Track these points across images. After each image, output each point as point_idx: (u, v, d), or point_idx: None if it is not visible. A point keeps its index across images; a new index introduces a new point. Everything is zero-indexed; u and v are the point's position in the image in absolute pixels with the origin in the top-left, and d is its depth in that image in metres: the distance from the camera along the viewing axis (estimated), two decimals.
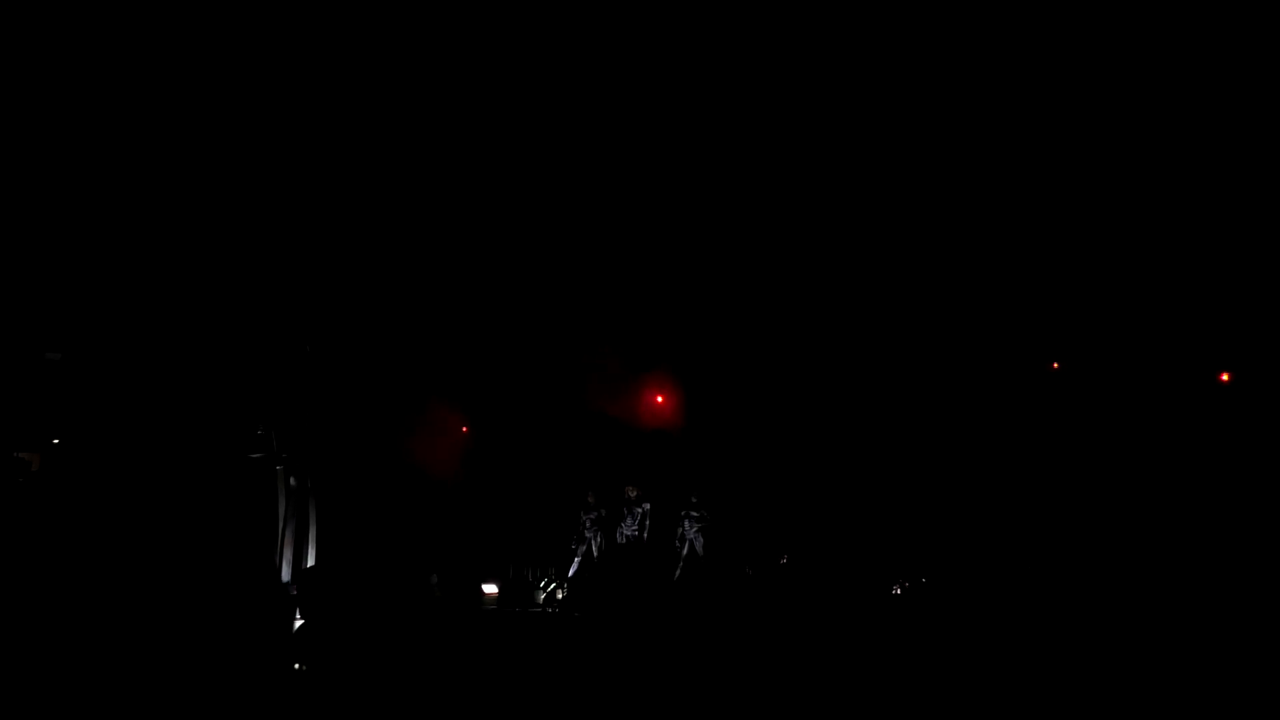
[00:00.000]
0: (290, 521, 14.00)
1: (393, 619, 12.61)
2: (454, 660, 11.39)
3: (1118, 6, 13.34)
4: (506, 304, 16.65)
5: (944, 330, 16.49)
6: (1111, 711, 8.51)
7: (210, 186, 14.28)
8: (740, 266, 16.51)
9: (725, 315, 17.02)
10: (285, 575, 13.73)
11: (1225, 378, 15.53)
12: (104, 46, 13.25)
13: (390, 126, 14.85)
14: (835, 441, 17.08)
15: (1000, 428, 16.27)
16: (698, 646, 11.75)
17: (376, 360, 15.91)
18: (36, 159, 13.50)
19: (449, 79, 14.65)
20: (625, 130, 15.34)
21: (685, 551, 16.48)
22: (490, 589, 16.39)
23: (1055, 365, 16.34)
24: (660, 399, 17.94)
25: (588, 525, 16.65)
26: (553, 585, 16.64)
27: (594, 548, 16.60)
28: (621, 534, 16.62)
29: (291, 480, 14.06)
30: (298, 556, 13.98)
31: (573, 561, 16.68)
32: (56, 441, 13.76)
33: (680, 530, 16.67)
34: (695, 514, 16.64)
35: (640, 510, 16.57)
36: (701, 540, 16.50)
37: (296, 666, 11.05)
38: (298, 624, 12.32)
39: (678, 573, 16.04)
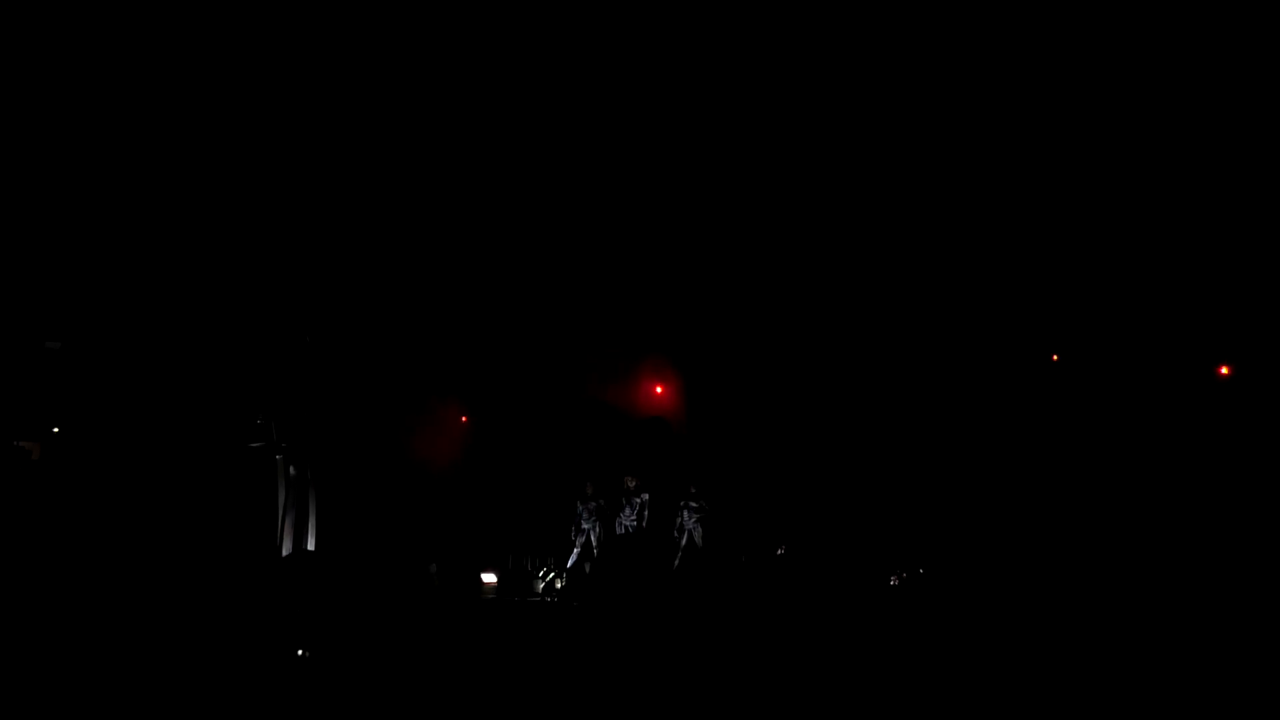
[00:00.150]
0: (290, 510, 14.28)
1: (392, 608, 12.83)
2: (453, 649, 11.38)
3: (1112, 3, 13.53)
4: (506, 295, 16.76)
5: (943, 320, 16.63)
6: (1108, 703, 8.56)
7: (211, 179, 14.41)
8: (739, 258, 16.64)
9: (724, 306, 17.13)
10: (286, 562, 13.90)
11: (1225, 370, 15.62)
12: (103, 41, 13.41)
13: (387, 118, 14.97)
14: (833, 432, 17.15)
15: (999, 418, 16.37)
16: (695, 636, 11.82)
17: (376, 351, 16.05)
18: (36, 150, 13.65)
19: (445, 70, 14.80)
20: (622, 119, 15.48)
21: (684, 542, 16.55)
22: (489, 578, 16.49)
23: (1055, 357, 16.40)
24: (659, 389, 18.06)
25: (585, 516, 16.71)
26: (551, 575, 16.76)
27: (593, 538, 16.68)
28: (620, 524, 16.71)
29: (291, 469, 14.35)
30: (298, 545, 14.27)
31: (572, 551, 16.77)
32: (56, 431, 13.94)
33: (679, 520, 16.74)
34: (694, 504, 16.70)
35: (639, 500, 16.65)
36: (700, 530, 16.59)
37: (300, 653, 10.95)
38: (300, 611, 12.30)
39: (676, 562, 16.17)
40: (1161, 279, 15.45)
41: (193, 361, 14.14)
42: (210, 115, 14.17)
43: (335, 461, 15.03)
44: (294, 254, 14.97)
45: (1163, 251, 15.33)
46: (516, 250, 16.32)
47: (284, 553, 14.12)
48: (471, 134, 15.48)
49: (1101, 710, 8.41)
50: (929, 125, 15.18)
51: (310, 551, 14.32)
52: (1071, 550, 14.71)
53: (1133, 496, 15.32)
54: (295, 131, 14.66)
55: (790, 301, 16.91)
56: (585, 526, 16.74)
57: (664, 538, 16.57)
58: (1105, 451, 15.67)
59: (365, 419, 15.85)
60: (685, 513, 16.70)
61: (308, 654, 10.90)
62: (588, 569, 16.43)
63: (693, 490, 16.83)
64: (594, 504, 16.78)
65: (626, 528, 16.66)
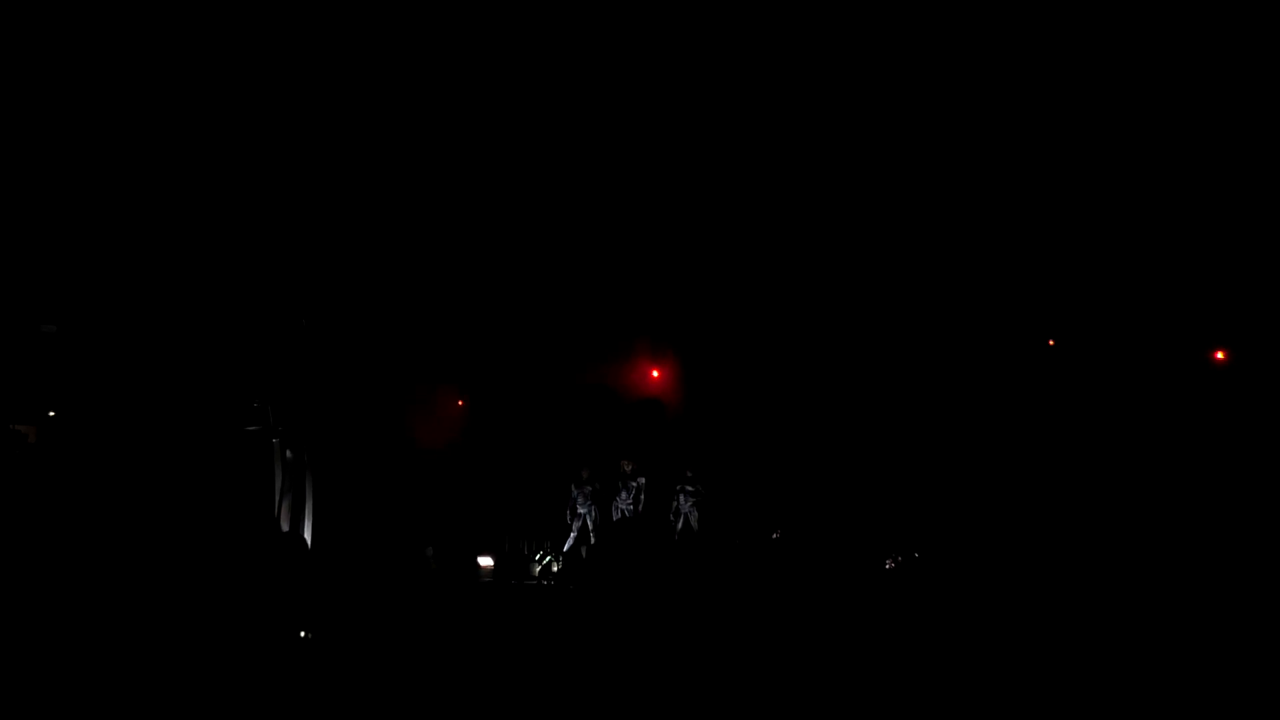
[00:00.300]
0: (287, 494, 14.28)
1: (389, 591, 13.01)
2: (450, 632, 11.58)
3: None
4: (503, 278, 16.81)
5: (937, 304, 16.74)
6: (1103, 691, 8.67)
7: (206, 163, 14.42)
8: (734, 242, 16.71)
9: (721, 290, 17.20)
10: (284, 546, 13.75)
11: (1220, 355, 15.78)
12: (98, 30, 13.44)
13: (380, 102, 15.01)
14: (829, 416, 17.24)
15: (995, 401, 16.49)
16: (691, 620, 11.90)
17: (372, 334, 16.09)
18: (31, 134, 13.67)
19: (439, 56, 14.86)
20: (619, 101, 15.54)
21: (680, 525, 16.70)
22: (486, 562, 16.58)
23: (1050, 342, 16.55)
24: (655, 374, 18.13)
25: (581, 500, 16.83)
26: (548, 558, 16.89)
27: (589, 522, 16.79)
28: (616, 508, 16.84)
29: (288, 453, 14.32)
30: (295, 530, 14.26)
31: (568, 535, 16.88)
32: (52, 414, 14.04)
33: (674, 504, 16.87)
34: (690, 488, 16.83)
35: (635, 484, 16.77)
36: (696, 514, 16.74)
37: (303, 635, 11.36)
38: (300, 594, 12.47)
39: (672, 547, 16.26)
40: (1157, 265, 15.60)
41: (189, 345, 14.15)
42: (205, 101, 14.21)
43: (332, 445, 15.03)
44: (289, 237, 14.98)
45: (1158, 238, 15.47)
46: (513, 233, 16.37)
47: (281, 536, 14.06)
48: (466, 118, 15.54)
49: (1096, 698, 8.53)
50: (925, 111, 15.32)
51: (309, 535, 14.35)
52: (1066, 536, 14.81)
53: (1128, 481, 15.46)
54: (289, 116, 14.69)
55: (786, 285, 17.01)
56: (581, 510, 16.85)
57: (660, 522, 16.68)
58: (1101, 436, 15.81)
59: (362, 402, 15.89)
60: (681, 496, 16.83)
61: (310, 636, 11.29)
62: (584, 553, 16.49)
63: (689, 474, 16.93)
64: (590, 488, 16.89)
65: (623, 512, 16.76)
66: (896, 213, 16.39)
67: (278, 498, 14.22)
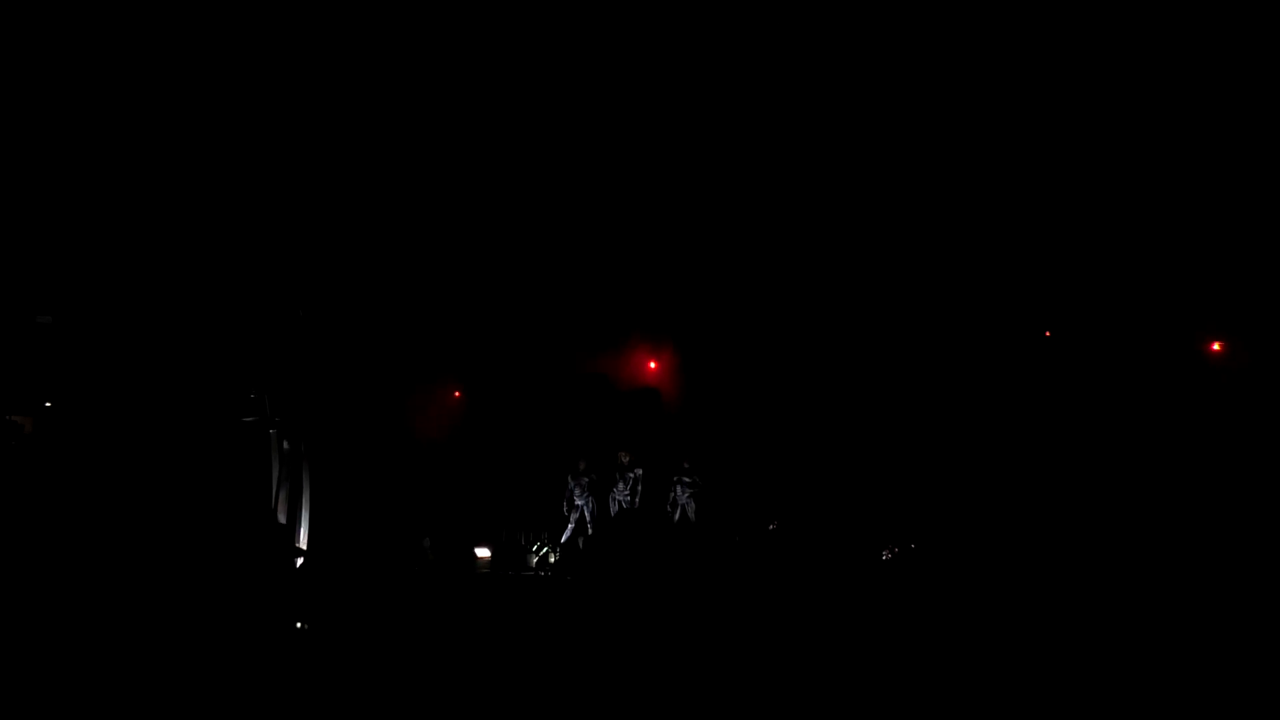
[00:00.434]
0: (284, 485, 14.24)
1: (387, 582, 13.17)
2: (448, 623, 11.62)
3: None
4: (501, 269, 16.91)
5: (935, 296, 16.87)
6: (1100, 683, 8.63)
7: (201, 153, 14.48)
8: (732, 234, 16.82)
9: (718, 281, 17.28)
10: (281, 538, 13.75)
11: (1216, 347, 15.93)
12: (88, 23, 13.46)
13: (374, 92, 15.09)
14: (827, 408, 17.36)
15: (993, 393, 16.61)
16: (689, 612, 11.92)
17: (370, 325, 16.17)
18: (23, 125, 13.75)
19: (432, 50, 14.92)
20: (616, 93, 15.62)
21: (677, 517, 16.79)
22: (483, 553, 16.68)
23: (1048, 334, 16.68)
24: (653, 365, 18.24)
25: (579, 491, 16.95)
26: (545, 549, 16.98)
27: (586, 513, 16.89)
28: (614, 499, 16.92)
29: (285, 444, 14.28)
30: (291, 520, 14.24)
31: (565, 527, 16.96)
32: (49, 405, 13.91)
33: (672, 495, 16.99)
34: (687, 479, 16.96)
35: (632, 476, 16.86)
36: (693, 506, 16.87)
37: (299, 625, 11.38)
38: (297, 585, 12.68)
39: (669, 538, 16.12)
40: (1155, 260, 15.75)
41: (186, 335, 14.10)
42: (199, 90, 14.26)
43: (330, 436, 14.99)
44: (286, 228, 15.02)
45: (1155, 234, 15.62)
46: (510, 224, 16.46)
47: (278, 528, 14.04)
48: (461, 107, 15.59)
49: (1094, 691, 8.50)
50: (921, 104, 15.45)
51: (306, 527, 14.39)
52: (1064, 528, 14.93)
53: (1124, 471, 15.58)
54: (282, 104, 14.73)
55: (784, 277, 17.10)
56: (578, 502, 16.98)
57: (657, 513, 16.76)
58: (1098, 427, 15.93)
59: (360, 394, 15.94)
60: (679, 488, 16.98)
61: (306, 627, 11.30)
62: (581, 544, 16.54)
63: (686, 465, 17.07)
64: (587, 479, 17.03)
65: (620, 503, 16.86)
66: (896, 203, 16.50)
67: (275, 489, 14.13)
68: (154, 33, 13.73)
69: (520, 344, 17.65)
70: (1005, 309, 16.69)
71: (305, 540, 14.31)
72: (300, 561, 13.71)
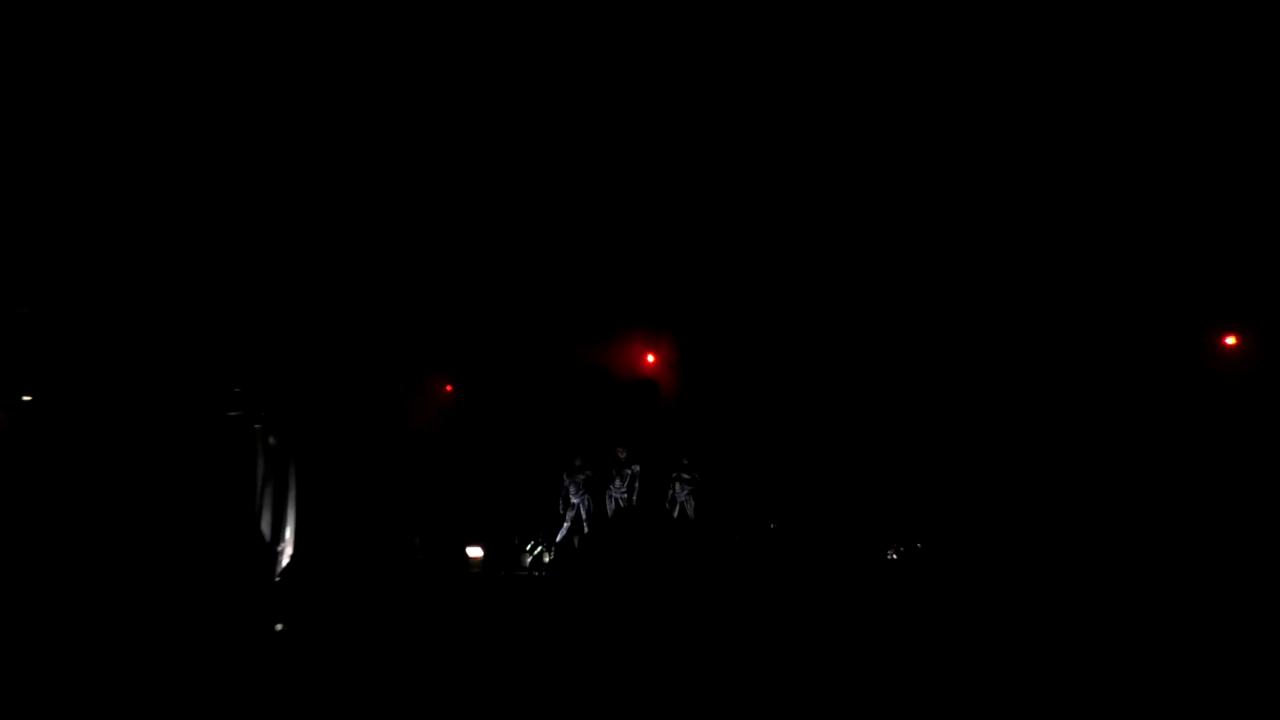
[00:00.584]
0: (269, 482, 14.06)
1: (376, 582, 13.12)
2: (439, 624, 11.58)
3: None
4: (493, 258, 16.77)
5: (944, 287, 16.77)
6: (1109, 688, 8.65)
7: (182, 147, 14.44)
8: (733, 221, 16.68)
9: (719, 270, 17.13)
10: (265, 536, 13.80)
11: (1232, 340, 15.85)
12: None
13: (363, 85, 15.03)
14: (830, 403, 17.24)
15: (1000, 387, 16.50)
16: (688, 612, 11.92)
17: (357, 317, 16.10)
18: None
19: (420, 39, 14.83)
20: (616, 83, 15.55)
21: (676, 514, 16.67)
22: (475, 552, 16.61)
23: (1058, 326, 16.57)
24: (651, 358, 18.04)
25: (574, 489, 16.84)
26: (539, 549, 16.84)
27: (582, 511, 16.78)
28: (610, 497, 16.81)
29: (271, 439, 14.08)
30: (277, 518, 14.07)
31: (561, 525, 16.83)
32: (26, 399, 13.86)
33: (671, 493, 16.86)
34: (686, 476, 16.83)
35: (629, 472, 16.78)
36: (693, 503, 16.73)
37: (278, 627, 11.30)
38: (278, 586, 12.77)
39: (667, 537, 15.98)
40: (1158, 258, 15.74)
41: (169, 328, 14.18)
42: (178, 84, 14.23)
43: (316, 432, 14.93)
44: (270, 219, 15.01)
45: (1158, 233, 15.62)
46: (503, 212, 16.35)
47: (263, 524, 13.93)
48: (452, 96, 15.53)
49: (1103, 695, 8.49)
50: (924, 94, 15.42)
51: (291, 525, 14.22)
52: (1076, 526, 14.88)
53: (1136, 467, 15.54)
54: (268, 101, 14.69)
55: (787, 268, 16.97)
56: (574, 500, 16.84)
57: (655, 511, 16.68)
58: (1109, 423, 15.87)
59: (347, 388, 15.92)
60: (677, 485, 16.85)
61: (285, 629, 11.24)
62: (577, 543, 16.44)
63: (685, 461, 16.93)
64: (582, 476, 16.90)
65: (617, 501, 16.75)
66: (906, 190, 16.43)
67: (259, 485, 13.96)
68: (134, 25, 13.74)
69: (513, 335, 17.52)
70: (1018, 297, 16.59)
71: (291, 539, 14.07)
72: (286, 561, 13.66)
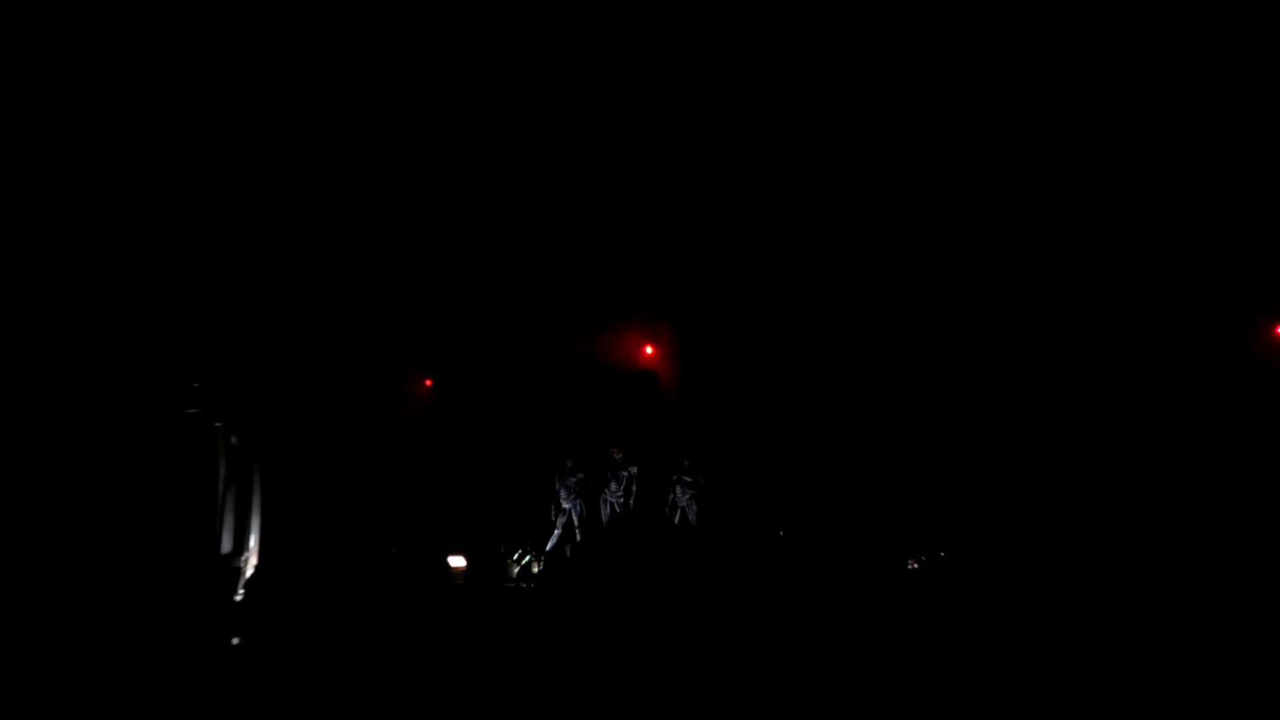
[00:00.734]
0: (232, 485, 13.90)
1: (347, 594, 12.58)
2: (417, 641, 11.33)
3: None
4: (475, 240, 16.54)
5: (972, 273, 16.56)
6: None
7: (145, 135, 14.25)
8: (738, 198, 16.47)
9: (722, 253, 16.94)
10: (226, 545, 13.71)
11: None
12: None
13: (340, 70, 14.91)
14: (843, 397, 17.06)
15: (1032, 378, 16.25)
16: (690, 629, 11.49)
17: (329, 304, 15.90)
18: None
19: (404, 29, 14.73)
20: (608, 69, 15.48)
21: (676, 520, 16.45)
22: (457, 562, 16.21)
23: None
24: (649, 350, 17.82)
25: (565, 493, 16.68)
26: (527, 558, 16.58)
27: (574, 517, 16.60)
28: (605, 501, 16.65)
29: (233, 439, 13.94)
30: (240, 525, 13.95)
31: (551, 532, 16.67)
32: None
33: (671, 497, 16.69)
34: (688, 479, 16.67)
35: (626, 474, 16.62)
36: (695, 508, 16.56)
37: (235, 641, 11.19)
38: (239, 596, 12.76)
39: (667, 544, 15.39)
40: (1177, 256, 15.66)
41: (120, 316, 13.87)
42: (157, 78, 14.13)
43: (283, 431, 14.89)
44: (232, 198, 14.80)
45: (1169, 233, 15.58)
46: (484, 190, 16.16)
47: (225, 531, 13.82)
48: (439, 82, 15.46)
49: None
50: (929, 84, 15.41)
51: (256, 532, 14.18)
52: (1115, 533, 14.58)
53: (1179, 471, 15.23)
54: (241, 91, 14.59)
55: (797, 246, 16.78)
56: (565, 505, 16.65)
57: (654, 516, 16.48)
58: (1152, 420, 15.61)
59: (318, 382, 15.82)
60: (678, 488, 16.69)
61: (243, 643, 11.10)
62: (568, 552, 16.19)
63: (686, 463, 16.77)
64: (574, 478, 16.72)
65: (612, 505, 16.60)
66: (917, 178, 16.38)
67: (220, 490, 13.79)
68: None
69: (497, 324, 17.36)
70: (1061, 286, 16.38)
71: (255, 548, 14.03)
72: (249, 572, 13.53)
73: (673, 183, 16.36)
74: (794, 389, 17.25)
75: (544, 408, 17.67)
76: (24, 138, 13.78)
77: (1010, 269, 16.37)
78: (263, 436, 14.26)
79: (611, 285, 17.17)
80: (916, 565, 15.14)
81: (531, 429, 17.58)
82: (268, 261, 15.07)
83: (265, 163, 14.78)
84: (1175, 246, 15.62)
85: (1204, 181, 15.36)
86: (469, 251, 16.63)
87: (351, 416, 16.34)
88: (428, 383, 17.87)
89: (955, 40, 15.05)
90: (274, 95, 14.66)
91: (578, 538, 16.45)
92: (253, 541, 14.04)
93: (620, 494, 16.57)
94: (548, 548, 16.57)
